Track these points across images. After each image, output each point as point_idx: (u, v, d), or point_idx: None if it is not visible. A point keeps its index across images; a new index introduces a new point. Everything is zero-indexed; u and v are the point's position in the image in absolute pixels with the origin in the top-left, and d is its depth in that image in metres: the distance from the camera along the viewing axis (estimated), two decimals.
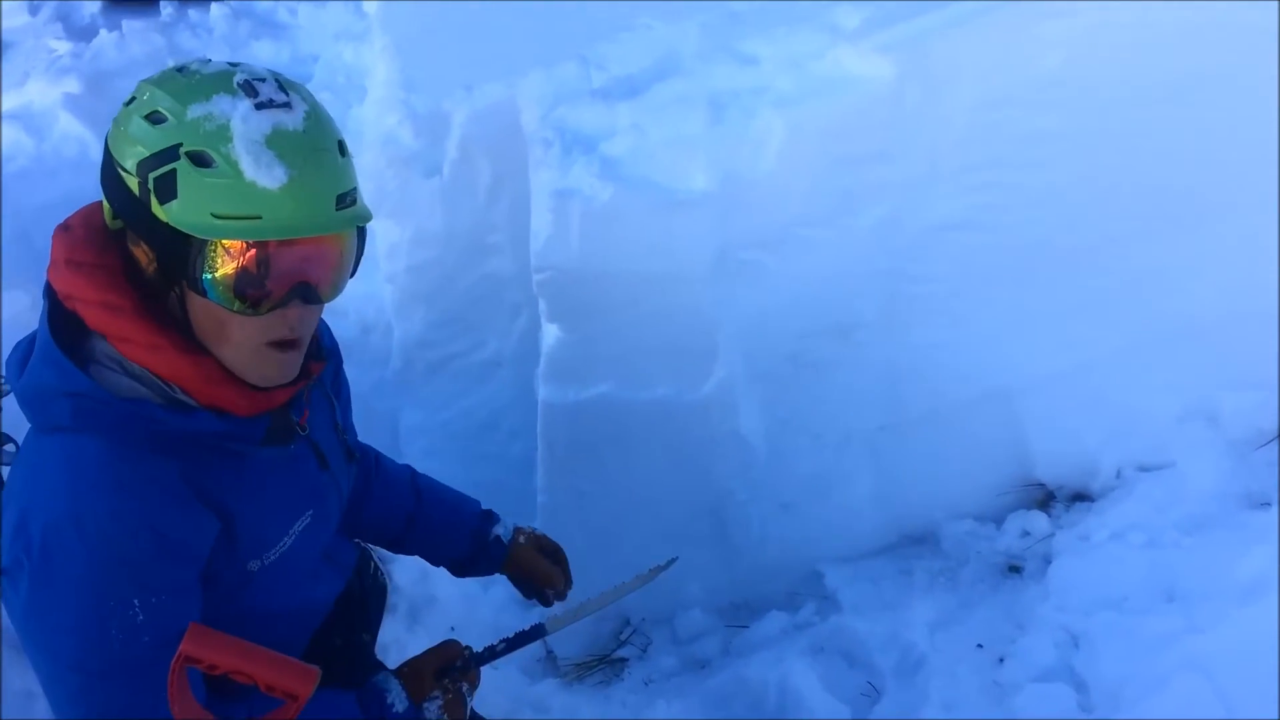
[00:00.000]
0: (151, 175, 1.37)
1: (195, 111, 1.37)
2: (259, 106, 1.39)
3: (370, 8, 4.36)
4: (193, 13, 5.54)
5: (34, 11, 5.74)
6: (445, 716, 1.76)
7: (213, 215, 1.36)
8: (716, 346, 2.69)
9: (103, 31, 5.27)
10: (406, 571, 3.09)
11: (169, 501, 1.45)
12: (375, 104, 3.64)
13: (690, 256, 2.58)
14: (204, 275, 1.39)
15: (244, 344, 1.46)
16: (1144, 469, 2.85)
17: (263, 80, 1.42)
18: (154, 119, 1.38)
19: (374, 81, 3.81)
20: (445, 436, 3.49)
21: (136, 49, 5.13)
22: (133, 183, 1.39)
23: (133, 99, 1.43)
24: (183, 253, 1.39)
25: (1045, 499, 2.97)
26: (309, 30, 5.41)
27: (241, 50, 5.30)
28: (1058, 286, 2.73)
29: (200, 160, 1.36)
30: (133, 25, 5.31)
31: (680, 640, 3.05)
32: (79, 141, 4.54)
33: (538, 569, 2.12)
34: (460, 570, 2.15)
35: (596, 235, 2.57)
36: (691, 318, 2.65)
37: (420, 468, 3.48)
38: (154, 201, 1.38)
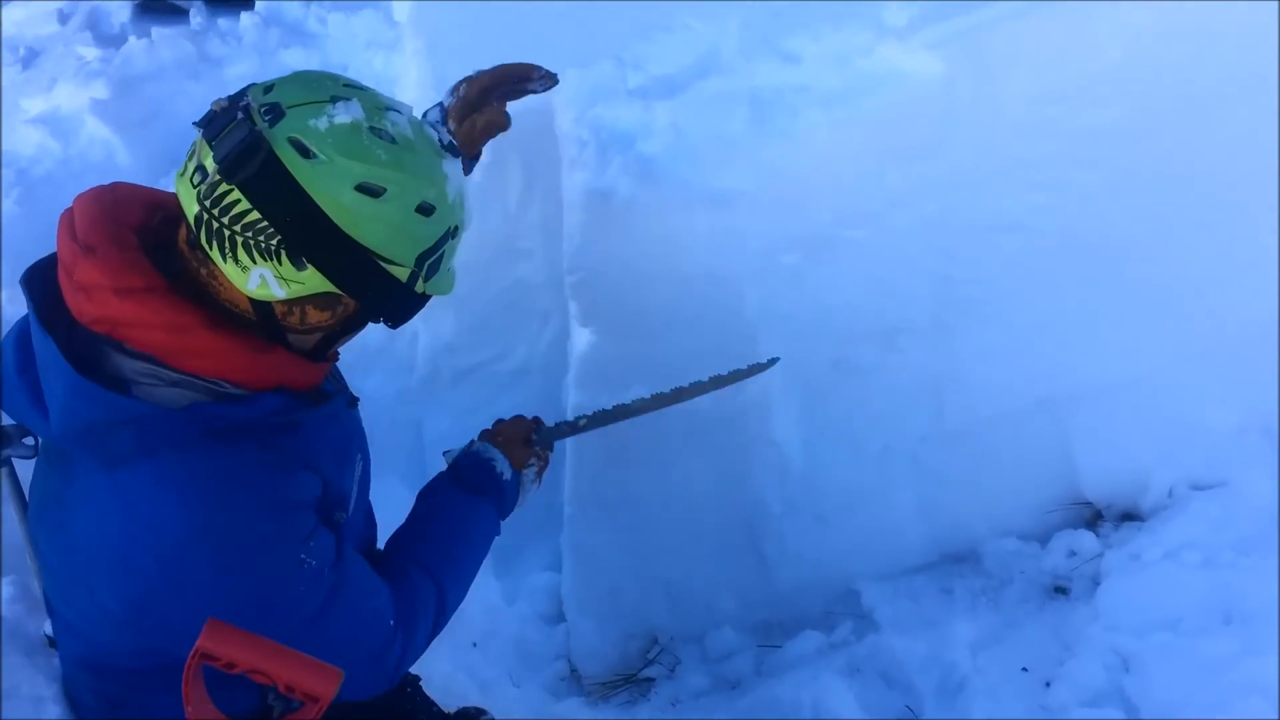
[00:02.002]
0: (427, 262, 1.45)
1: (451, 192, 1.46)
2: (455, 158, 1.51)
3: (401, 11, 4.33)
4: (222, 21, 5.51)
5: (63, 20, 5.73)
6: (539, 482, 1.95)
7: (450, 269, 1.54)
8: (755, 352, 2.59)
9: (131, 38, 5.24)
10: None
11: (272, 472, 1.46)
12: None
13: (730, 258, 2.51)
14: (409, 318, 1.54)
15: (347, 341, 1.57)
16: (1198, 487, 2.75)
17: (432, 125, 1.51)
18: (424, 211, 1.42)
19: (405, 85, 3.76)
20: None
21: (166, 55, 5.08)
22: (402, 273, 1.43)
23: (364, 178, 1.37)
24: (408, 308, 1.52)
25: (1093, 518, 2.88)
26: (339, 39, 5.36)
27: (271, 59, 5.26)
28: (1110, 291, 2.65)
29: (458, 232, 1.51)
30: (162, 33, 5.27)
31: (710, 659, 2.96)
32: (105, 145, 4.49)
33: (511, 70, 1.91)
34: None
35: (632, 236, 2.49)
36: (730, 321, 2.57)
37: None
38: (420, 281, 1.47)
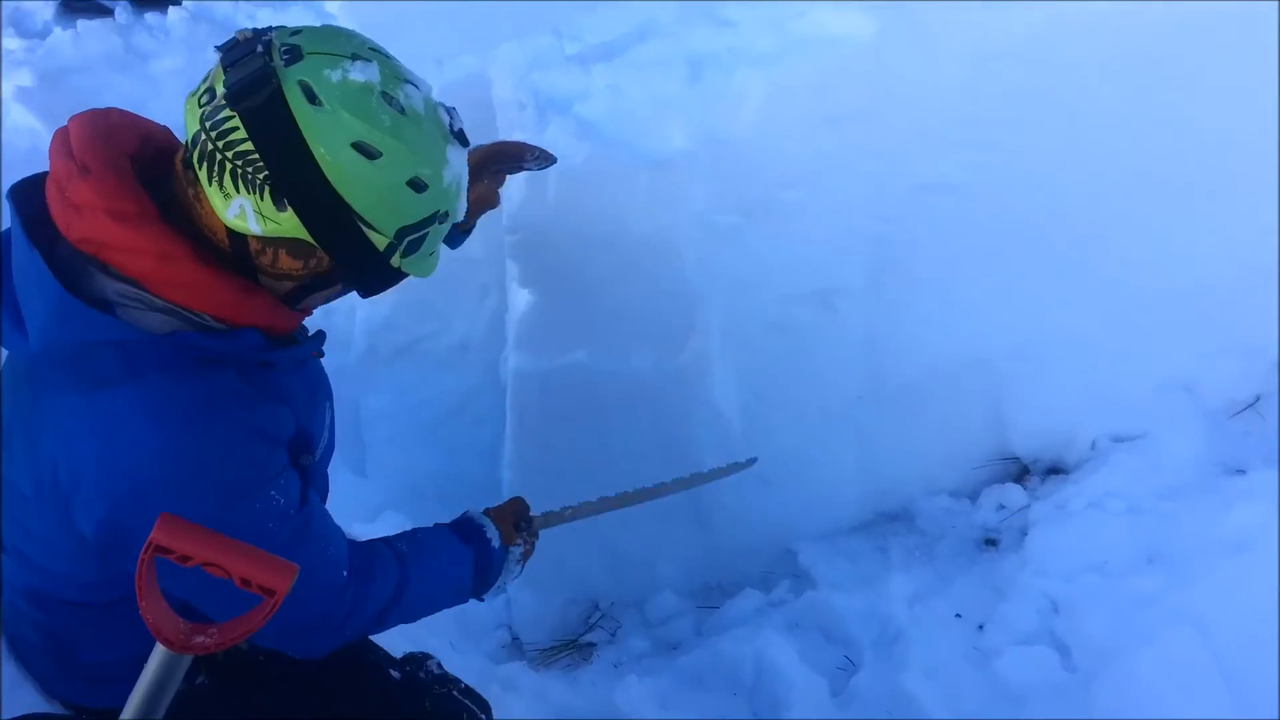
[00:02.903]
0: (408, 239, 1.46)
1: (447, 176, 1.46)
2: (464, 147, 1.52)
3: (333, 8, 4.33)
4: (149, 16, 5.47)
5: None
6: (523, 564, 1.93)
7: (431, 254, 1.55)
8: (694, 313, 2.65)
9: (57, 30, 5.18)
10: None
11: (251, 404, 1.45)
12: None
13: (669, 220, 2.53)
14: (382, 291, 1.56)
15: (322, 303, 1.58)
16: (1119, 440, 2.85)
17: (448, 110, 1.51)
18: (416, 186, 1.42)
19: None
20: (409, 423, 3.41)
21: (93, 48, 5.02)
22: (380, 240, 1.44)
23: (363, 138, 1.37)
24: (381, 280, 1.52)
25: (1020, 473, 2.97)
26: None
27: (200, 53, 5.22)
28: (1038, 253, 2.72)
29: (446, 218, 1.51)
30: (88, 26, 5.22)
31: (651, 623, 3.00)
32: (31, 134, 4.42)
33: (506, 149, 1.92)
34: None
35: (571, 197, 2.51)
36: (669, 283, 2.60)
37: (383, 455, 3.46)
38: (397, 256, 1.47)
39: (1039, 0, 2.47)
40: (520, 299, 2.66)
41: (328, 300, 1.58)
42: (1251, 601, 2.23)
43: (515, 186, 2.55)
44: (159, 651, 1.25)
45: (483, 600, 1.95)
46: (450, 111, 1.52)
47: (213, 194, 1.38)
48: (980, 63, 2.47)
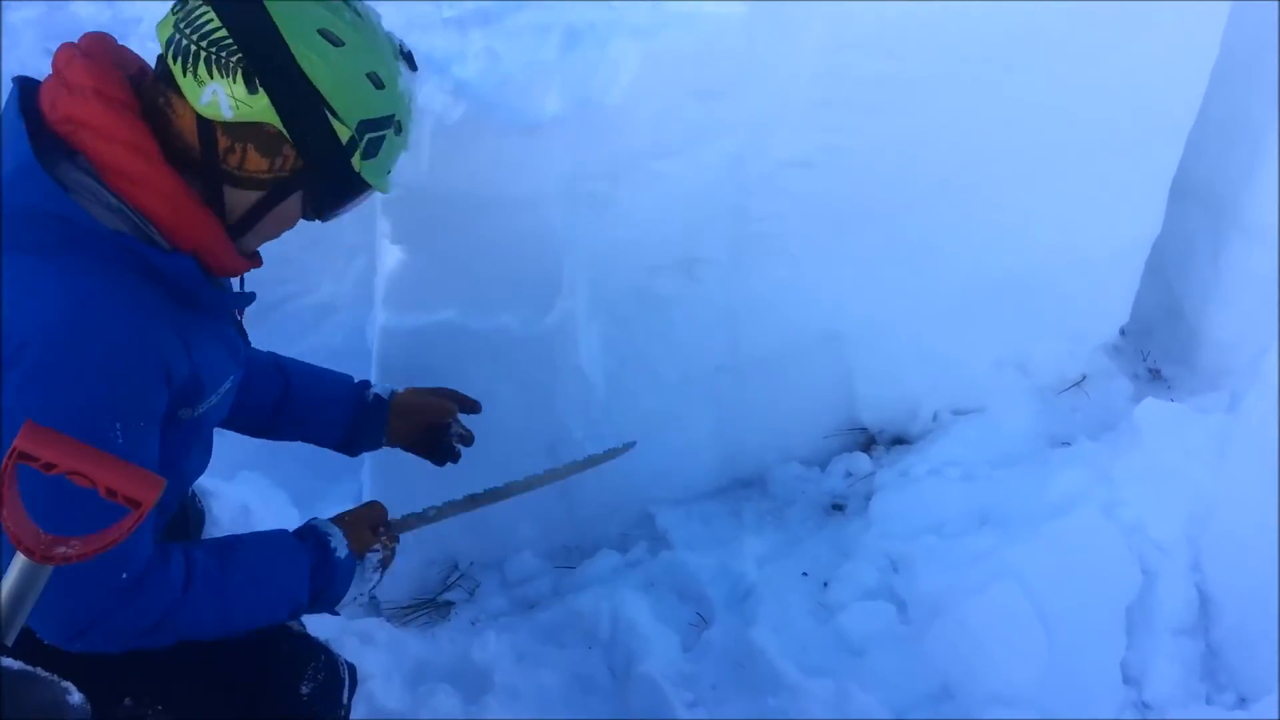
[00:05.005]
0: (368, 136, 1.55)
1: (401, 84, 1.60)
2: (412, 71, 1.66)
3: None
4: None
5: None
6: (382, 570, 1.86)
7: (388, 171, 1.65)
8: (561, 277, 2.70)
9: None
10: (228, 508, 2.96)
11: (153, 323, 1.47)
12: None
13: (540, 182, 2.58)
14: (339, 208, 1.66)
15: (277, 234, 1.67)
16: (959, 413, 3.03)
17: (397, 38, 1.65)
18: (375, 82, 1.54)
19: None
20: None
21: None
22: (343, 132, 1.53)
23: (329, 26, 1.49)
24: (341, 185, 1.60)
25: (868, 442, 3.11)
26: None
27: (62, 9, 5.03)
28: (888, 234, 2.84)
29: (401, 130, 1.62)
30: None
31: (510, 583, 3.03)
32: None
33: (428, 404, 2.15)
34: (349, 444, 2.14)
35: (445, 157, 2.54)
36: (538, 246, 2.65)
37: None
38: (358, 156, 1.56)
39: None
40: (391, 256, 2.67)
41: (278, 229, 1.65)
42: (1069, 557, 2.41)
43: None
44: (18, 562, 1.24)
45: (337, 614, 1.87)
46: (399, 40, 1.66)
47: (187, 85, 1.46)
48: (838, 51, 2.58)
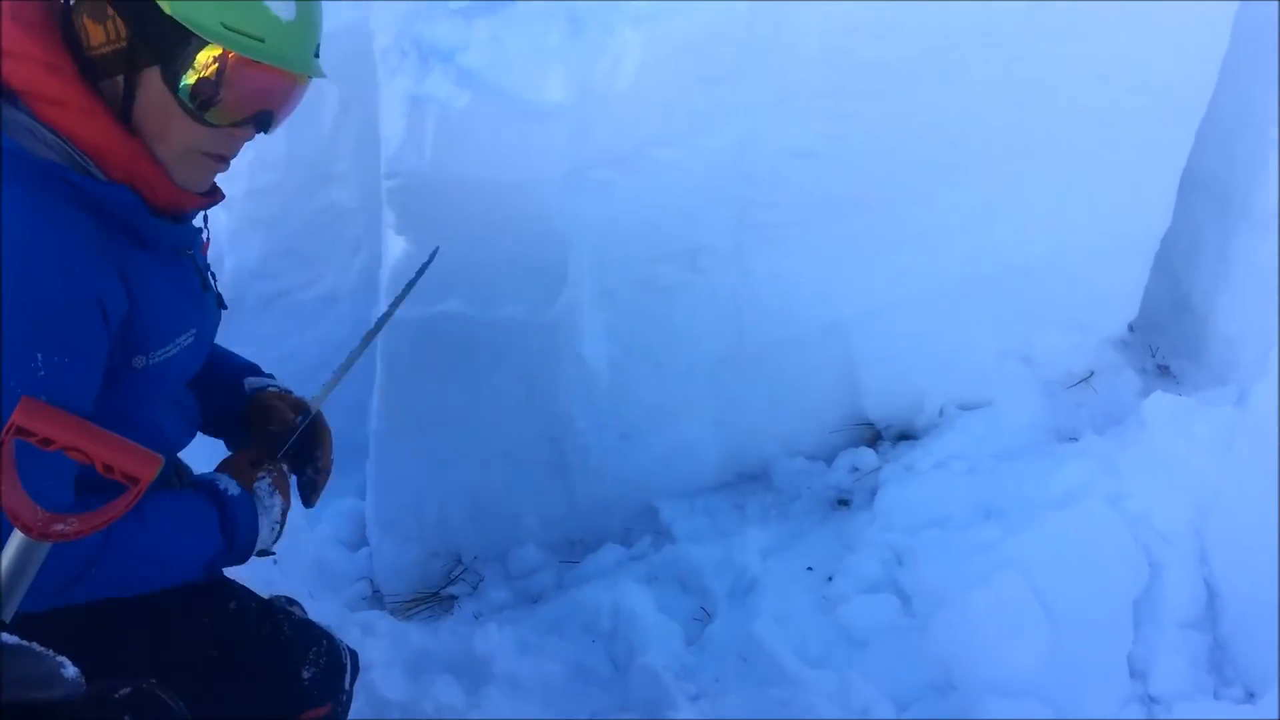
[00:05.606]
0: None
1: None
2: None
3: None
4: None
5: None
6: (277, 492, 1.78)
7: (222, 24, 1.46)
8: (566, 266, 2.69)
9: None
10: None
11: (85, 253, 1.43)
12: None
13: (544, 170, 2.57)
14: (184, 73, 1.47)
15: (182, 145, 1.52)
16: (965, 407, 3.01)
17: None
18: None
19: None
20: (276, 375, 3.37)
21: None
22: None
23: None
24: (168, 46, 1.45)
25: (873, 437, 3.10)
26: None
27: None
28: (890, 220, 2.83)
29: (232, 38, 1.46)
30: None
31: (513, 576, 3.03)
32: None
33: (273, 412, 1.89)
34: (213, 425, 1.96)
35: (450, 144, 2.53)
36: (542, 235, 2.64)
37: None
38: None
39: None
40: (396, 246, 2.66)
41: (164, 123, 1.50)
42: (1074, 549, 2.40)
43: (393, 131, 2.56)
44: (16, 538, 1.24)
45: (272, 555, 1.82)
46: None
47: None
48: (838, 35, 2.56)
